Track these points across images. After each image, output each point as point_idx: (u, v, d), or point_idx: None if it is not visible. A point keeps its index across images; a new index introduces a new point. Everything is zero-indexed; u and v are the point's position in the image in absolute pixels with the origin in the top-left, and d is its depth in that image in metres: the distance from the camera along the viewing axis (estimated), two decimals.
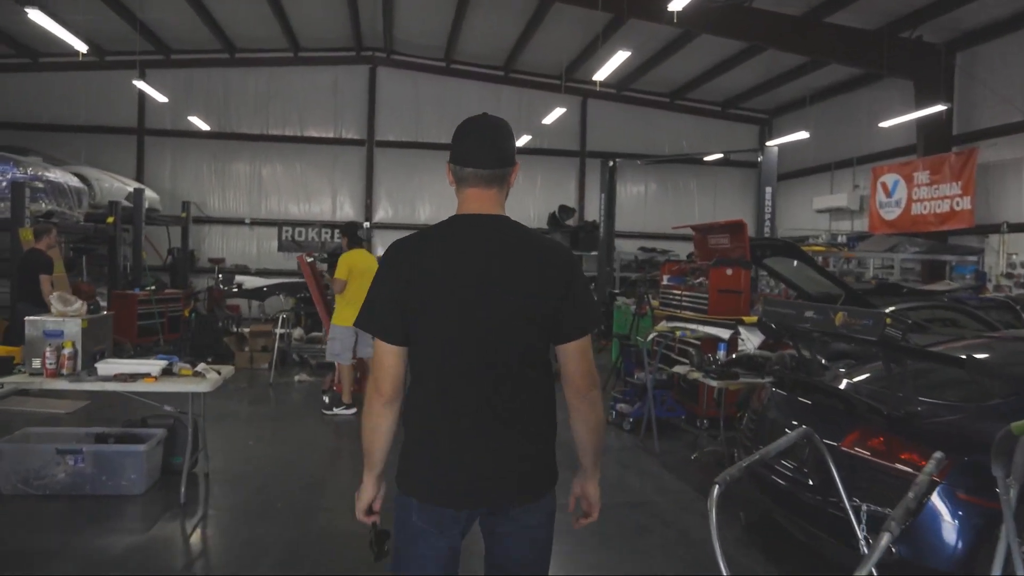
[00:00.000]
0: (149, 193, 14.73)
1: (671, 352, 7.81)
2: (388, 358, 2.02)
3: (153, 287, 11.15)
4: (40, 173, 9.55)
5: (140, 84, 13.07)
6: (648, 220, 19.64)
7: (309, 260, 9.02)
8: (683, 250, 18.98)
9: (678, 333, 6.48)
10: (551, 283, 1.99)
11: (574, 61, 16.79)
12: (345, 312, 7.28)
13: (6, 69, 17.16)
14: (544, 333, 2.02)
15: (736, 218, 8.17)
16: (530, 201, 19.24)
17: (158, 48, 17.14)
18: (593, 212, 19.02)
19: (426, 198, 18.82)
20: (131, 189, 13.12)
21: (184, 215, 15.42)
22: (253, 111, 18.18)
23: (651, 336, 6.83)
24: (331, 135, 18.43)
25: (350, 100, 18.40)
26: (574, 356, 2.04)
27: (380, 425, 2.05)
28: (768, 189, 14.59)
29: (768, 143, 15.81)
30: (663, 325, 6.74)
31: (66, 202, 10.02)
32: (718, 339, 6.04)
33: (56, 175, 9.99)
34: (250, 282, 14.46)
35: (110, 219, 10.04)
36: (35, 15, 9.46)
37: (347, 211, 18.58)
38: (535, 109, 17.89)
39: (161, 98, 15.05)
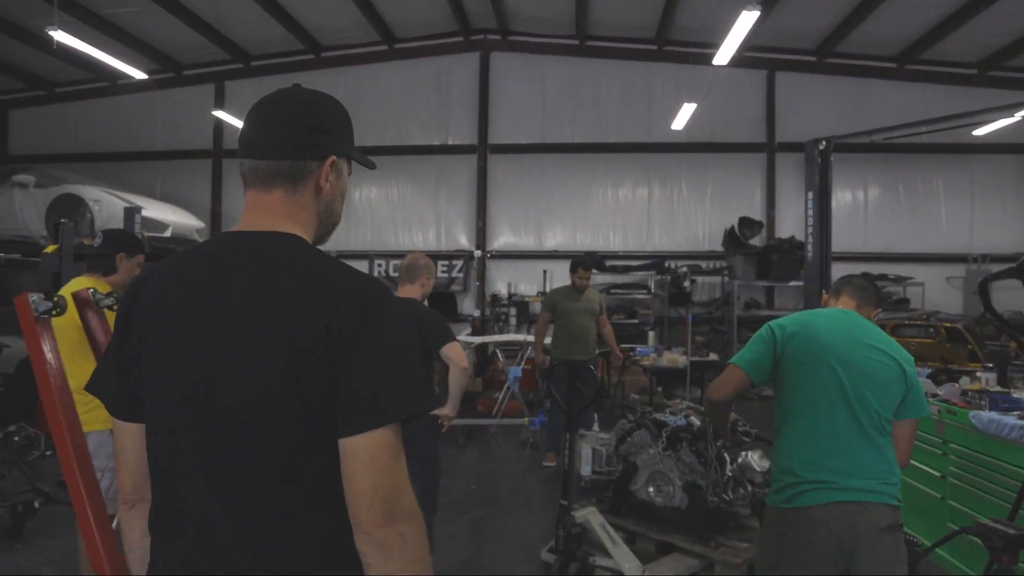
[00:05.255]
0: (180, 219, 11.60)
1: None
2: (121, 439, 1.37)
3: None
4: None
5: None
6: (870, 236, 13.90)
7: None
8: (928, 276, 13.17)
9: None
10: (314, 335, 1.15)
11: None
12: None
13: (82, 96, 15.33)
14: (313, 424, 1.16)
15: None
16: (698, 215, 14.29)
17: (236, 56, 14.52)
18: (789, 226, 13.67)
19: (556, 217, 14.39)
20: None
21: None
22: None
23: None
24: (435, 142, 14.66)
25: (458, 96, 14.53)
26: (356, 461, 1.14)
27: (124, 540, 1.41)
28: None
29: None
30: None
31: None
32: None
33: None
34: None
35: (50, 248, 6.53)
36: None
37: (456, 238, 14.59)
38: (700, 88, 13.07)
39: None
